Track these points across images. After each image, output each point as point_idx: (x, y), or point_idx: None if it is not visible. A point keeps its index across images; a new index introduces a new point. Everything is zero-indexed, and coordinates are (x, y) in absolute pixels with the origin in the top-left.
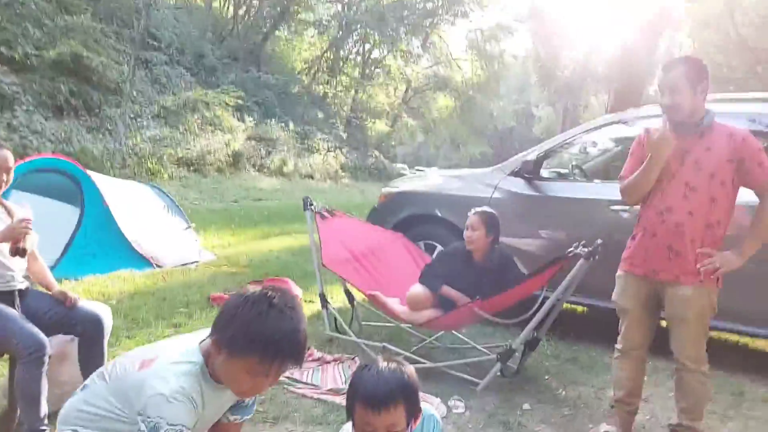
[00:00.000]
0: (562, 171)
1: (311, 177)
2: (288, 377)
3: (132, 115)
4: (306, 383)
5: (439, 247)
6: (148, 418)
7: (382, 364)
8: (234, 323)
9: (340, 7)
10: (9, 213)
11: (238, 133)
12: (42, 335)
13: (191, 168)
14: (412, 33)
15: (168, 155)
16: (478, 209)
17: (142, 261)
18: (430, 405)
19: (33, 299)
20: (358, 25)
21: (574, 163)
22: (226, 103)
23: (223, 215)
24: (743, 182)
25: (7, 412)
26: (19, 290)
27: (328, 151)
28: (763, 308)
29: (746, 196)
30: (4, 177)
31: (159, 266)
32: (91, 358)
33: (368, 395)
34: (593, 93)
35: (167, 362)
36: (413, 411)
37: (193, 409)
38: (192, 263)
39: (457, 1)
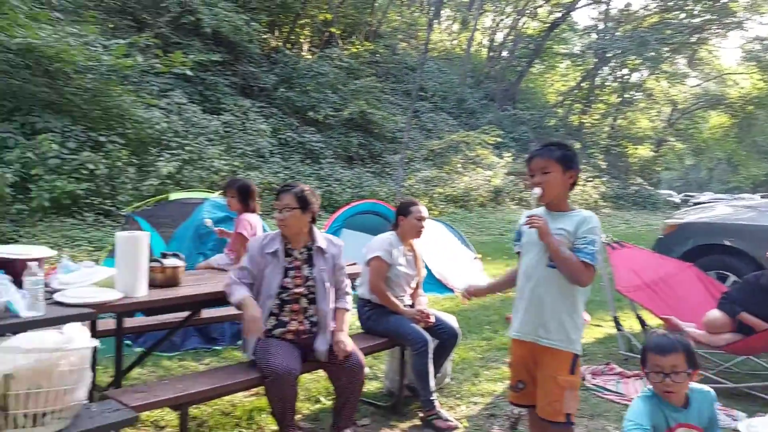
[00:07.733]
0: None
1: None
2: (595, 385)
3: (407, 160)
4: (612, 392)
5: (732, 277)
6: None
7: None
8: None
9: (594, 35)
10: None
11: (498, 170)
12: (426, 333)
13: (458, 204)
14: (676, 52)
15: (438, 194)
16: None
17: (443, 287)
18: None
19: None
20: (616, 52)
21: None
22: (486, 142)
23: (493, 247)
24: None
25: (394, 393)
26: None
27: (587, 180)
28: None
29: None
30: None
31: (457, 291)
32: (441, 357)
33: (655, 345)
34: None
35: None
36: (692, 362)
37: None
38: None
39: (728, 12)
